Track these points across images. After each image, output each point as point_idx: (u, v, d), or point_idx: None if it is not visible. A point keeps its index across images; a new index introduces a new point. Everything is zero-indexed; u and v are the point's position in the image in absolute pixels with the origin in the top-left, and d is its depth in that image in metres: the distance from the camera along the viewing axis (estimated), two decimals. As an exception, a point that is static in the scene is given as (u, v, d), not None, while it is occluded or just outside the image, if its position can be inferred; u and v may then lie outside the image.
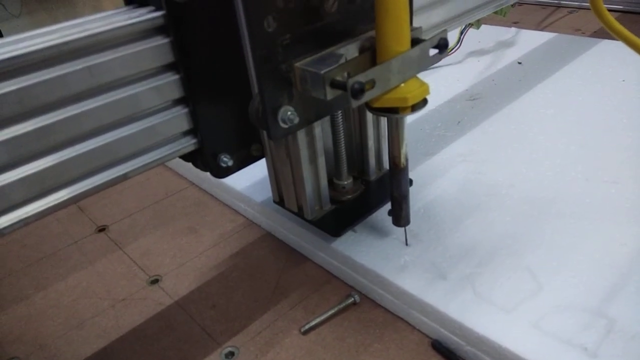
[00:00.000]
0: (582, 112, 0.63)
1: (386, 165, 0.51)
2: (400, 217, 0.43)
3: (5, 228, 0.30)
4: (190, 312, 0.46)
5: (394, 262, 0.44)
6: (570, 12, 1.10)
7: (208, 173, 0.61)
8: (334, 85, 0.33)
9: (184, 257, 0.52)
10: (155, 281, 0.50)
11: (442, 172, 0.55)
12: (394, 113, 0.36)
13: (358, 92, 0.32)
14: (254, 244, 0.53)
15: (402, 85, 0.35)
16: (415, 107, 0.36)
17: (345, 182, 0.49)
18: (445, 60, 0.82)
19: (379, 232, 0.47)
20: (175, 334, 0.44)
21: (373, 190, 0.50)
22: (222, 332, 0.43)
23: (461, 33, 0.80)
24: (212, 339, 0.43)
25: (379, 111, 0.37)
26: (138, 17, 0.32)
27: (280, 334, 0.42)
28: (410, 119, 0.66)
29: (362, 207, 0.48)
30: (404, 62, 0.34)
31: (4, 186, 0.29)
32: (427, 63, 0.36)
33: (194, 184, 0.64)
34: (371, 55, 0.36)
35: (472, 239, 0.45)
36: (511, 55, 0.83)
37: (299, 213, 0.46)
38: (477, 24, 0.82)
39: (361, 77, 0.32)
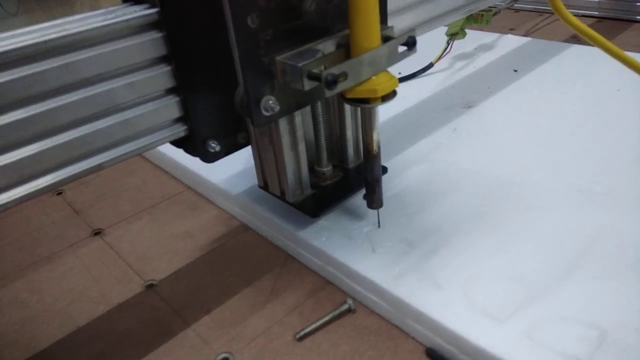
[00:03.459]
0: (576, 122, 0.64)
1: None
2: (373, 200, 0.47)
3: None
4: (186, 317, 0.46)
5: (389, 270, 0.44)
6: (566, 20, 1.11)
7: (204, 177, 0.61)
8: (311, 77, 0.36)
9: (179, 262, 0.52)
10: (150, 286, 0.50)
11: (438, 180, 0.55)
12: (365, 103, 0.40)
13: (331, 83, 0.35)
14: (250, 249, 0.53)
15: (373, 78, 0.39)
16: (385, 98, 0.40)
17: (325, 169, 0.52)
18: (439, 67, 0.82)
19: (375, 239, 0.47)
20: (170, 340, 0.44)
21: (351, 177, 0.53)
22: (217, 338, 0.43)
23: (448, 43, 0.81)
24: (207, 344, 0.43)
25: (352, 101, 0.40)
26: (135, 13, 0.35)
27: (275, 340, 0.43)
28: (406, 126, 0.66)
29: (340, 191, 0.52)
30: (374, 57, 0.38)
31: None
32: (396, 59, 0.40)
33: (190, 187, 0.65)
34: (345, 51, 0.39)
35: (466, 247, 0.45)
36: (507, 62, 0.84)
37: (282, 197, 0.50)
38: (462, 33, 0.83)
39: (334, 70, 0.36)
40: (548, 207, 0.49)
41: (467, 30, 0.84)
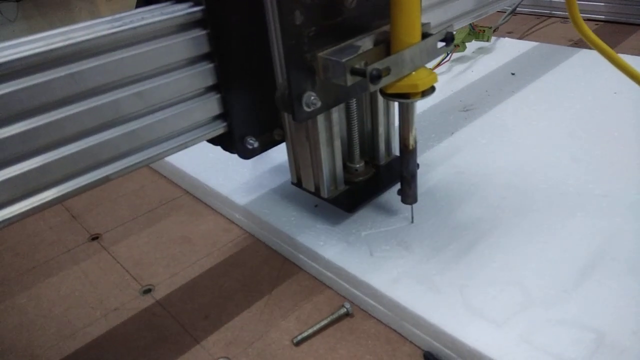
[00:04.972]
0: (574, 125, 0.64)
1: (394, 151, 0.56)
2: (408, 195, 0.47)
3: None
4: (183, 322, 0.46)
5: (387, 273, 0.44)
6: (563, 22, 1.11)
7: (202, 181, 0.61)
8: (354, 72, 0.37)
9: (177, 267, 0.52)
10: (148, 291, 0.50)
11: (435, 183, 0.55)
12: (405, 98, 0.41)
13: (376, 77, 0.36)
14: (248, 254, 0.53)
15: (413, 73, 0.39)
16: (424, 93, 0.40)
17: (358, 165, 0.53)
18: (437, 70, 0.82)
19: (373, 243, 0.47)
20: (167, 345, 0.44)
21: (383, 173, 0.54)
22: (215, 343, 0.43)
23: (447, 53, 0.82)
24: (204, 349, 0.43)
25: (392, 97, 0.41)
26: (180, 11, 0.35)
27: (272, 345, 0.43)
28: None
29: (372, 187, 0.52)
30: (415, 52, 0.39)
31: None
32: (435, 54, 0.41)
33: (188, 192, 0.64)
34: (385, 47, 0.40)
35: (464, 250, 0.45)
36: (504, 66, 0.84)
37: (316, 192, 0.50)
38: (463, 46, 0.84)
39: (378, 65, 0.36)
40: (546, 211, 0.49)
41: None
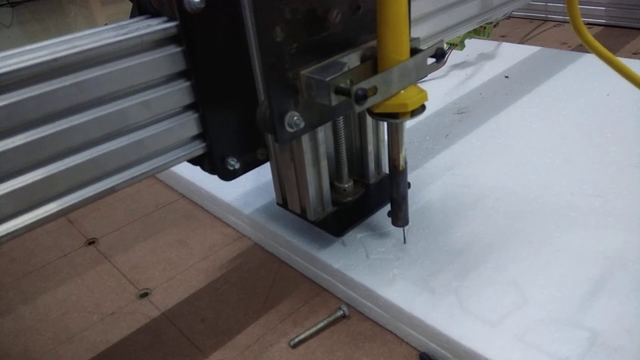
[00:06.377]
0: (567, 126, 0.65)
1: (385, 169, 0.53)
2: (398, 217, 0.45)
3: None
4: (180, 326, 0.46)
5: (383, 275, 0.44)
6: (556, 26, 1.12)
7: (198, 185, 0.61)
8: (339, 91, 0.35)
9: (173, 270, 0.52)
10: (144, 295, 0.50)
11: (430, 185, 0.55)
12: (394, 118, 0.38)
13: (361, 98, 0.34)
14: (244, 257, 0.53)
15: (402, 92, 0.37)
16: (414, 113, 0.38)
17: (346, 185, 0.51)
18: (432, 74, 0.83)
19: (368, 245, 0.48)
20: (164, 349, 0.44)
21: (373, 193, 0.52)
22: (211, 346, 0.43)
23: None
24: (201, 353, 0.43)
25: (380, 116, 0.39)
26: (153, 27, 0.33)
27: (269, 347, 0.43)
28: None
29: (362, 208, 0.50)
30: (404, 70, 0.36)
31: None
32: (425, 71, 0.39)
33: (184, 196, 0.65)
34: (372, 64, 0.38)
35: (458, 252, 0.46)
36: (498, 69, 0.84)
37: (302, 214, 0.48)
38: (461, 45, 0.84)
39: (364, 84, 0.34)
40: (539, 211, 0.50)
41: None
